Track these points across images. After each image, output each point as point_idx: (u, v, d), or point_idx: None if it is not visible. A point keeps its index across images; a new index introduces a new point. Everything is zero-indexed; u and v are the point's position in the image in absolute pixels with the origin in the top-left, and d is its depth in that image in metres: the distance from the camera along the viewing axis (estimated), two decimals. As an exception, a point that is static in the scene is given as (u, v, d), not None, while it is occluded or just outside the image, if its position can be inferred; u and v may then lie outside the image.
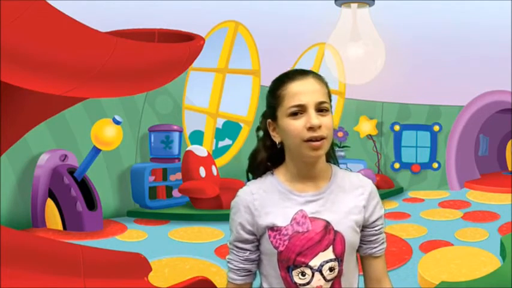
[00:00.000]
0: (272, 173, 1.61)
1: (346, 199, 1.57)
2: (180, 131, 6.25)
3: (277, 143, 1.57)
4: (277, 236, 1.51)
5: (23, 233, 3.50)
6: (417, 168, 7.81)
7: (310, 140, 1.48)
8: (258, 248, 1.58)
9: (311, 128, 1.47)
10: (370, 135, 7.83)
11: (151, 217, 5.58)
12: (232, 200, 1.61)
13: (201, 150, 6.07)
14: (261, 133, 1.64)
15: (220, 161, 6.62)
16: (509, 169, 8.91)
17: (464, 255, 4.36)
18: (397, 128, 7.91)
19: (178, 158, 6.16)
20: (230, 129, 6.97)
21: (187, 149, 6.05)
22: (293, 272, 1.51)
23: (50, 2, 2.07)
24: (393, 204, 6.50)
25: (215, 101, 6.74)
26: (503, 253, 4.16)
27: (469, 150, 8.03)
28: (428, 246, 4.63)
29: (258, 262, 1.61)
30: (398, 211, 6.16)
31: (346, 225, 1.53)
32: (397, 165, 7.85)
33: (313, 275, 1.50)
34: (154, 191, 6.06)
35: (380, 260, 1.64)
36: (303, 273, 1.50)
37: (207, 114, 6.76)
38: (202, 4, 5.50)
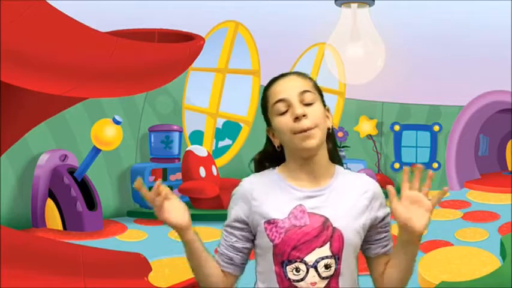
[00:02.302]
0: (274, 169, 1.62)
1: (348, 198, 1.54)
2: (180, 131, 6.25)
3: (276, 146, 1.60)
4: (274, 229, 1.50)
5: (23, 233, 3.50)
6: (417, 168, 7.80)
7: (299, 132, 1.49)
8: (246, 239, 1.57)
9: (297, 119, 1.49)
10: (370, 135, 7.82)
11: (152, 217, 5.53)
12: (233, 191, 1.62)
13: (201, 150, 6.07)
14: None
15: (220, 161, 6.62)
16: (509, 169, 8.90)
17: (464, 255, 4.36)
18: (397, 128, 7.91)
19: (178, 158, 6.16)
20: (230, 129, 6.97)
21: (187, 149, 6.04)
22: (287, 267, 1.49)
23: (50, 2, 2.07)
24: (393, 204, 6.48)
25: (215, 101, 6.74)
26: (503, 253, 4.16)
27: (469, 150, 8.03)
28: (428, 246, 4.63)
29: (245, 257, 1.59)
30: (398, 211, 6.15)
31: (346, 223, 1.50)
32: (397, 165, 7.85)
33: (307, 271, 1.47)
34: (155, 191, 6.05)
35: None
36: (297, 269, 1.48)
37: (207, 114, 6.76)
38: (202, 4, 5.50)
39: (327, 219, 1.50)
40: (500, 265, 3.95)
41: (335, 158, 1.64)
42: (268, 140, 1.64)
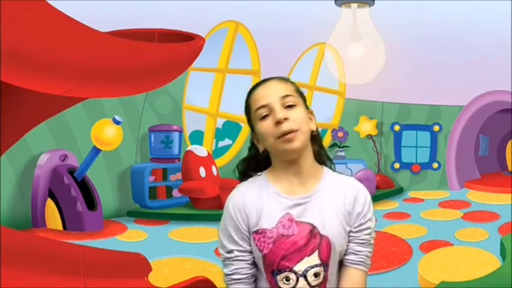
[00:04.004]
0: (261, 174, 1.61)
1: (334, 202, 1.54)
2: (180, 131, 6.25)
3: (260, 150, 1.60)
4: (262, 239, 1.50)
5: (23, 233, 3.49)
6: (417, 168, 7.80)
7: (281, 136, 1.49)
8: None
9: (278, 123, 1.49)
10: (370, 135, 7.82)
11: (151, 217, 5.58)
12: (225, 205, 1.61)
13: (201, 150, 6.07)
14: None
15: (220, 161, 6.62)
16: (509, 169, 8.90)
17: (464, 255, 4.36)
18: (397, 128, 7.91)
19: (178, 158, 6.16)
20: (230, 129, 6.97)
21: (187, 149, 6.04)
22: (277, 276, 1.49)
23: (50, 2, 2.07)
24: (393, 204, 6.49)
25: (215, 101, 6.74)
26: (503, 253, 4.16)
27: (469, 150, 8.03)
28: (428, 246, 4.63)
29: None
30: (398, 211, 6.15)
31: (333, 229, 1.50)
32: (397, 165, 7.85)
33: (297, 280, 1.48)
34: (154, 191, 6.05)
35: (352, 273, 1.54)
36: (287, 278, 1.49)
37: (207, 114, 6.75)
38: (202, 4, 5.49)
39: (314, 227, 1.50)
40: (500, 265, 3.95)
41: (323, 159, 1.64)
42: (253, 145, 1.66)
